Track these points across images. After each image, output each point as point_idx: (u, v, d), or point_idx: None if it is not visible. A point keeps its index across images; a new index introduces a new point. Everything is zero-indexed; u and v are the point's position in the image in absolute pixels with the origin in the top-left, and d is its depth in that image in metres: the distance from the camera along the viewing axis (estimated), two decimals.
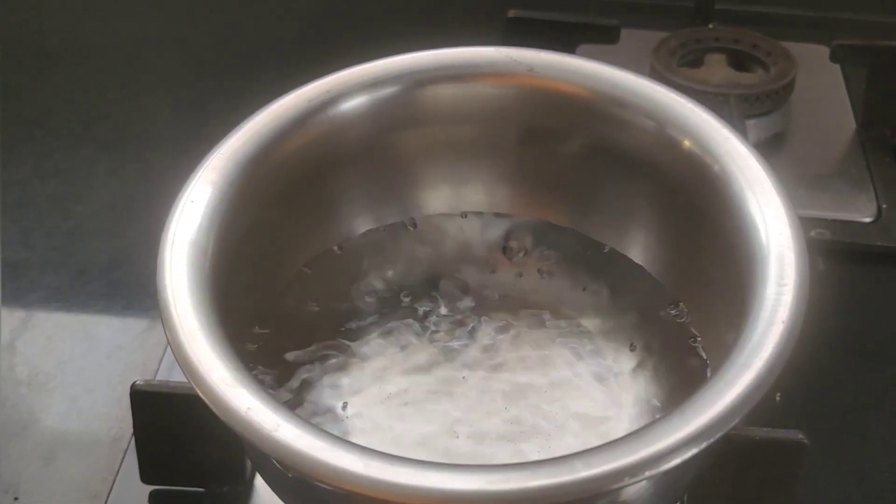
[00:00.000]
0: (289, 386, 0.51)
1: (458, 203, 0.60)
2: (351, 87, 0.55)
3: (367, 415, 0.50)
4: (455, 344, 0.53)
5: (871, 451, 0.59)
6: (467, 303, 0.56)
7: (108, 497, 0.54)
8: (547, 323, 0.55)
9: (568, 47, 0.80)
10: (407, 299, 0.56)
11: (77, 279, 0.70)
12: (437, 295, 0.56)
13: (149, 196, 0.68)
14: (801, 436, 0.48)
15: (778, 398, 0.52)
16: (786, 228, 0.47)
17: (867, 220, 0.71)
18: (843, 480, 0.56)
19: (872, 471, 0.58)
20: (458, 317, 0.55)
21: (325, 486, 0.38)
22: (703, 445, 0.39)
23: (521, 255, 0.59)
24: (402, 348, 0.53)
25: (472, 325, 0.54)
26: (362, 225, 0.59)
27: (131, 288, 0.68)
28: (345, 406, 0.50)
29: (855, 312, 0.64)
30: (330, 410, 0.50)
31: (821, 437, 0.49)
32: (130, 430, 0.53)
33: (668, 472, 0.38)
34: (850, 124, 0.80)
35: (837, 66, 0.84)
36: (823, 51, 0.84)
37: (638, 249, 0.57)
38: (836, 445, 0.57)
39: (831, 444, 0.56)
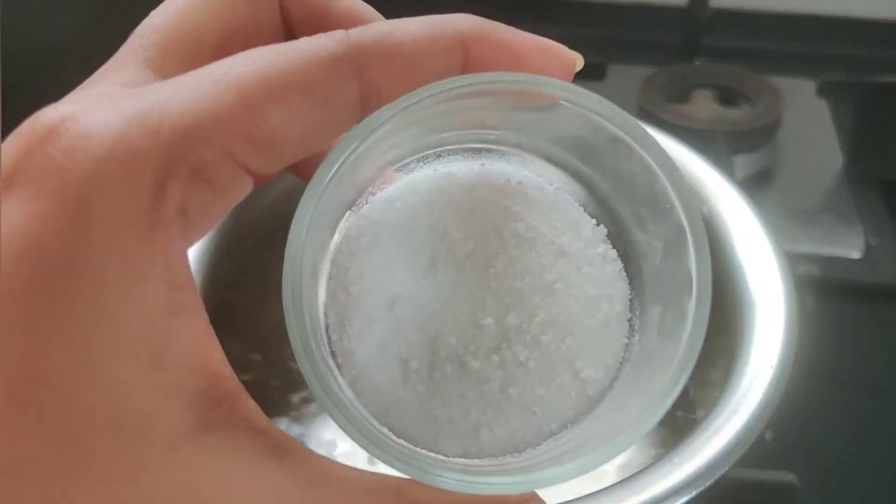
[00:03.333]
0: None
1: None
2: None
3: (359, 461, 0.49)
4: None
5: (862, 487, 0.58)
6: None
7: None
8: None
9: None
10: None
11: None
12: None
13: None
14: (791, 477, 0.48)
15: (768, 437, 0.51)
16: (773, 271, 0.47)
17: (855, 255, 0.71)
18: None
19: None
20: None
21: None
22: (693, 493, 0.38)
23: None
24: None
25: None
26: None
27: None
28: (332, 444, 0.50)
29: (844, 348, 0.64)
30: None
31: (812, 474, 0.49)
32: None
33: None
34: (837, 160, 0.80)
35: (824, 102, 0.84)
36: (810, 86, 0.84)
37: None
38: (827, 483, 0.57)
39: (822, 482, 0.56)
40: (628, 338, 0.26)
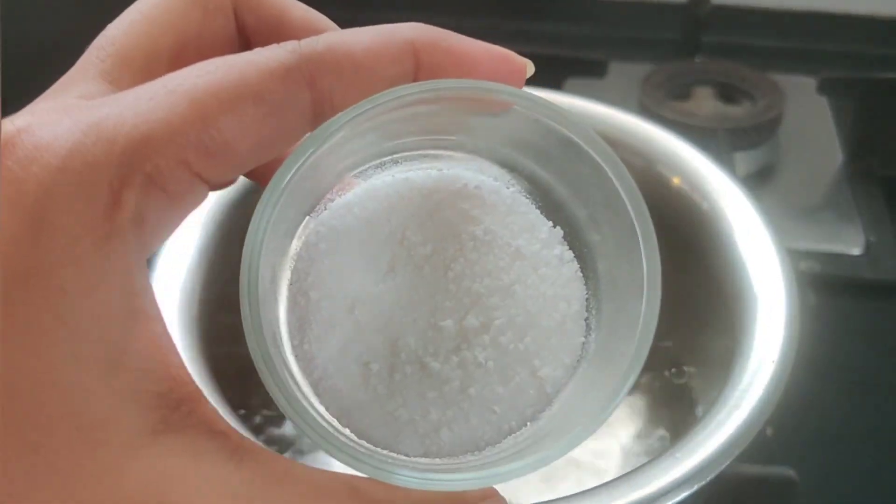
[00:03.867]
0: (276, 431, 0.51)
1: None
2: None
3: None
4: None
5: (862, 483, 0.58)
6: None
7: None
8: None
9: (555, 82, 0.80)
10: None
11: None
12: None
13: None
14: (791, 472, 0.48)
15: (769, 432, 0.51)
16: (775, 266, 0.47)
17: (856, 252, 0.72)
18: None
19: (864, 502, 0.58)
20: None
21: None
22: (695, 488, 0.39)
23: None
24: None
25: None
26: None
27: None
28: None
29: (845, 344, 0.64)
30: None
31: (812, 470, 0.49)
32: None
33: None
34: (837, 156, 0.80)
35: (825, 99, 0.84)
36: (811, 83, 0.84)
37: None
38: (827, 478, 0.57)
39: (823, 478, 0.56)
40: (585, 336, 0.27)
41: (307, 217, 0.27)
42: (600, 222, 0.27)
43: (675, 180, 0.53)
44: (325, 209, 0.27)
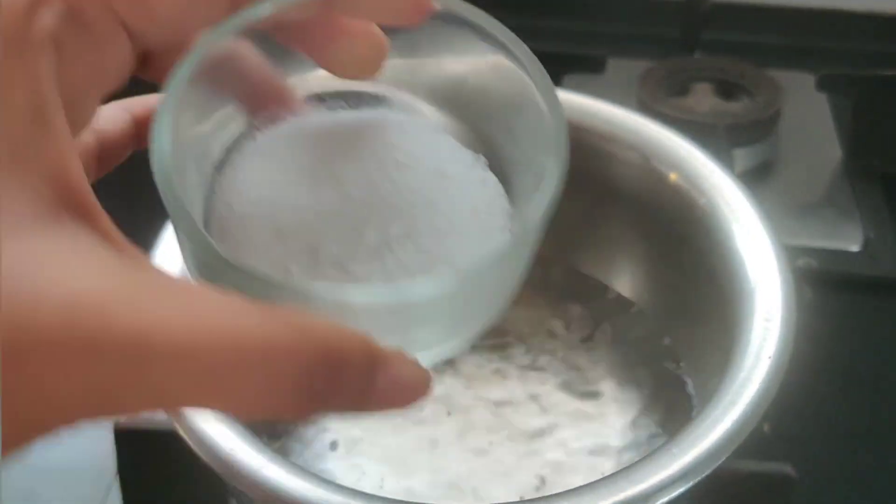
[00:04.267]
0: (276, 426, 0.50)
1: None
2: None
3: (357, 453, 0.49)
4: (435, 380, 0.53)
5: (859, 479, 0.58)
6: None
7: None
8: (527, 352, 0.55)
9: (554, 78, 0.80)
10: None
11: None
12: None
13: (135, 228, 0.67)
14: (788, 469, 0.48)
15: (766, 428, 0.51)
16: (772, 263, 0.47)
17: (854, 248, 0.71)
18: None
19: (861, 501, 0.57)
20: None
21: None
22: (691, 483, 0.39)
23: None
24: None
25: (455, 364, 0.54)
26: None
27: None
28: (334, 445, 0.50)
29: (842, 341, 0.64)
30: (319, 450, 0.49)
31: (809, 467, 0.49)
32: (114, 466, 0.52)
33: None
34: (836, 153, 0.80)
35: (824, 95, 0.84)
36: (810, 80, 0.84)
37: (627, 283, 0.57)
38: (824, 475, 0.57)
39: (820, 474, 0.56)
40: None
41: (234, 137, 0.29)
42: (520, 140, 0.28)
43: (673, 176, 0.53)
44: (258, 130, 0.29)
